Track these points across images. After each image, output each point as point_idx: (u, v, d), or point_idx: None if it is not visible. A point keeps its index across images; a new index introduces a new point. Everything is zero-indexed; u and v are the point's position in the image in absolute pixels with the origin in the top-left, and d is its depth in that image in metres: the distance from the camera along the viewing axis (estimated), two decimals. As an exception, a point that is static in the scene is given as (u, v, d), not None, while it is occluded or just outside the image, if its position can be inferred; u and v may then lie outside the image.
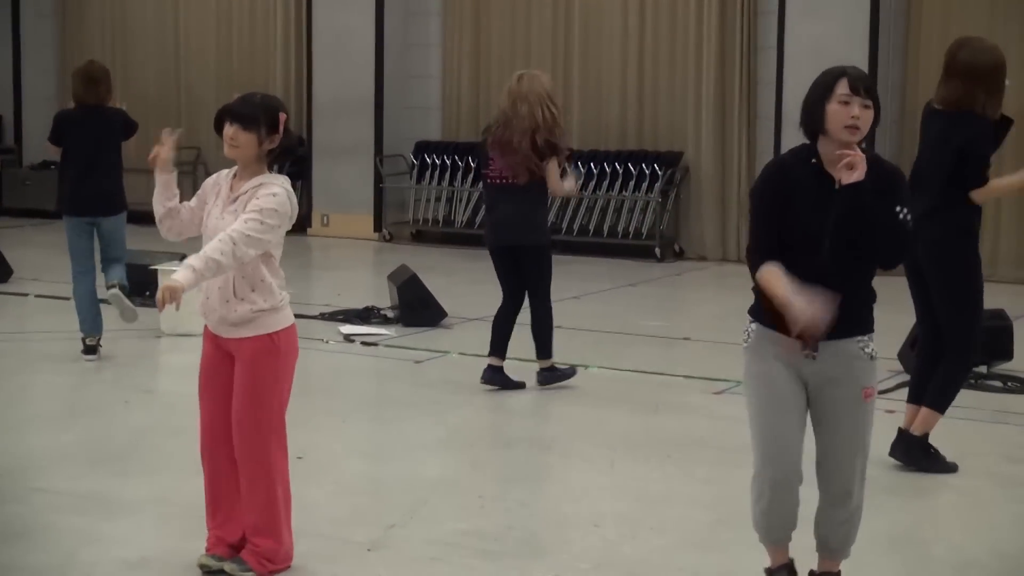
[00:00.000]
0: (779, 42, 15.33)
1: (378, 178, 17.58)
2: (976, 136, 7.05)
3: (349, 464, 7.58)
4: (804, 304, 4.80)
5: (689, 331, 11.42)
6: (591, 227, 16.41)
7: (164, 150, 5.76)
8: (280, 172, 5.74)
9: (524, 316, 9.31)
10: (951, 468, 7.26)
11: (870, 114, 4.94)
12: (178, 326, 10.52)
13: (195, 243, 5.68)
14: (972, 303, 7.20)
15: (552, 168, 8.94)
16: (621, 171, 16.25)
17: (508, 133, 8.93)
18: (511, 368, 9.26)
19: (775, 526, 5.19)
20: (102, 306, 10.06)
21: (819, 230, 4.93)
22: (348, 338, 10.92)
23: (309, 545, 5.92)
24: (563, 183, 9.03)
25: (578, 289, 13.30)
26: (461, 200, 17.25)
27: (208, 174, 17.66)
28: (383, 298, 12.11)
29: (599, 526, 6.44)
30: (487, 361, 9.23)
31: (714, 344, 10.94)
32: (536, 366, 9.27)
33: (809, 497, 5.20)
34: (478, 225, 16.97)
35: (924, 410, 7.25)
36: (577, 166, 16.18)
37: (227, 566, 5.68)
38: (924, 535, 6.51)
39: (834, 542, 5.27)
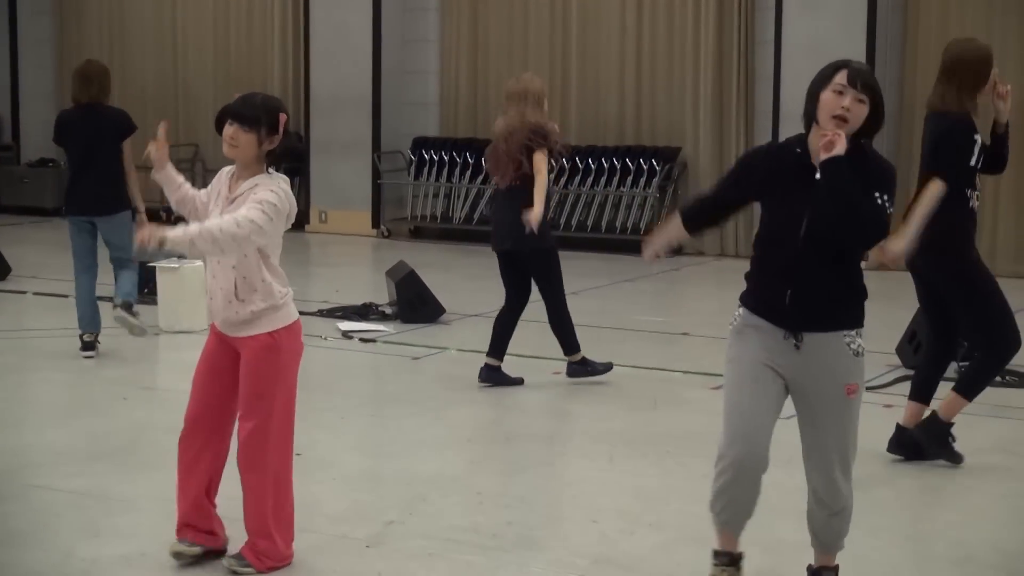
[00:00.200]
0: (777, 37, 15.33)
1: (376, 174, 17.58)
2: (947, 130, 7.04)
3: (347, 460, 7.58)
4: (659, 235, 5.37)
5: (687, 327, 11.43)
6: (589, 223, 16.42)
7: (155, 150, 5.76)
8: (279, 172, 5.75)
9: (528, 314, 9.31)
10: (958, 458, 7.24)
11: (863, 109, 4.92)
12: (177, 323, 10.51)
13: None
14: (988, 295, 7.14)
15: (539, 159, 8.84)
16: (619, 166, 16.26)
17: (496, 136, 8.99)
18: (511, 365, 9.26)
19: (729, 508, 5.15)
20: (100, 303, 10.07)
21: (796, 219, 4.92)
22: (346, 335, 10.92)
23: (308, 541, 5.92)
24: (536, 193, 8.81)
25: (576, 285, 13.27)
26: (459, 196, 17.25)
27: (206, 171, 17.83)
28: (381, 294, 12.11)
29: (597, 521, 6.44)
30: (485, 360, 9.24)
31: (712, 339, 10.92)
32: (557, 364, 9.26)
33: (795, 488, 5.20)
34: (476, 221, 17.01)
35: (951, 394, 7.24)
36: (575, 162, 16.20)
37: (226, 561, 5.70)
38: (923, 530, 6.51)
39: (824, 537, 5.27)
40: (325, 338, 10.79)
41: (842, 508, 5.19)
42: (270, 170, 5.66)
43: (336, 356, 10.33)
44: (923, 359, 7.62)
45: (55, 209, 19.09)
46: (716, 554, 5.31)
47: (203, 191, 5.85)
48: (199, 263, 10.60)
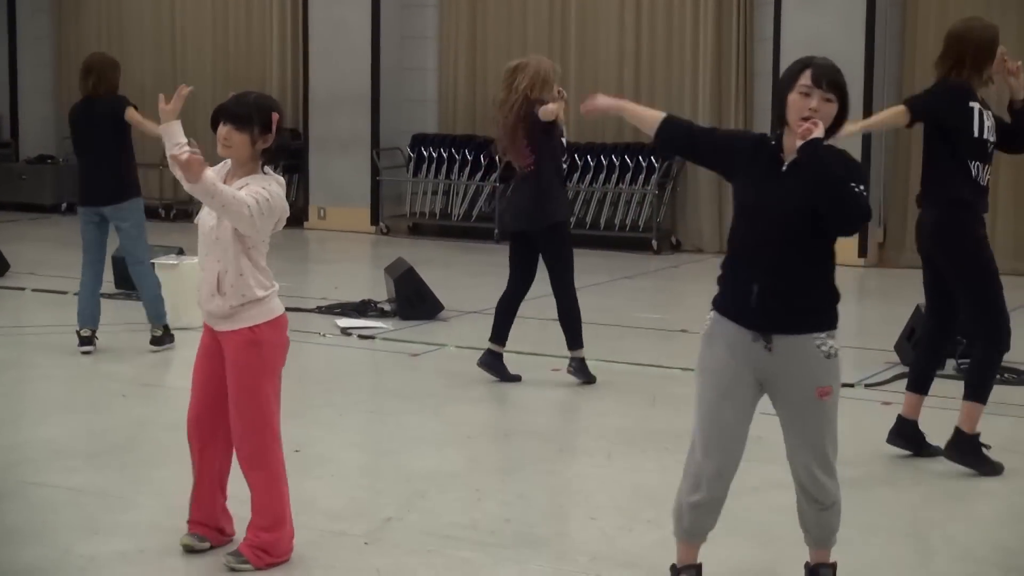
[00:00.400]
0: (775, 34, 15.33)
1: (375, 171, 17.58)
2: (930, 93, 7.09)
3: (346, 457, 7.58)
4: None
5: (686, 323, 11.42)
6: (588, 220, 16.41)
7: (164, 102, 5.79)
8: (275, 169, 5.77)
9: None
10: (999, 468, 7.18)
11: (831, 107, 4.89)
12: (176, 320, 10.51)
13: (189, 234, 5.69)
14: (988, 279, 7.10)
15: (542, 110, 8.89)
16: (618, 164, 16.26)
17: (498, 123, 9.04)
18: (509, 361, 9.26)
19: (701, 521, 5.18)
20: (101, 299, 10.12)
21: (763, 211, 4.91)
22: (345, 331, 10.92)
23: (306, 538, 5.92)
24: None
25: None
26: (458, 193, 17.25)
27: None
28: (380, 291, 12.11)
29: (596, 519, 6.44)
30: (488, 345, 9.21)
31: (711, 336, 10.94)
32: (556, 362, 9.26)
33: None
34: (475, 218, 17.02)
35: (966, 405, 7.16)
36: (574, 159, 16.20)
37: (224, 558, 5.71)
38: (922, 527, 6.51)
39: (816, 533, 5.25)
40: (324, 335, 10.79)
41: (832, 503, 5.17)
42: (266, 169, 5.68)
43: (335, 353, 10.33)
44: (921, 349, 7.59)
45: (53, 206, 19.14)
46: (683, 570, 5.28)
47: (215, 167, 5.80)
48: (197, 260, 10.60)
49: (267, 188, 5.59)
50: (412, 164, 17.45)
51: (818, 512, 5.18)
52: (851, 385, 9.17)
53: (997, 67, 7.15)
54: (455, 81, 17.70)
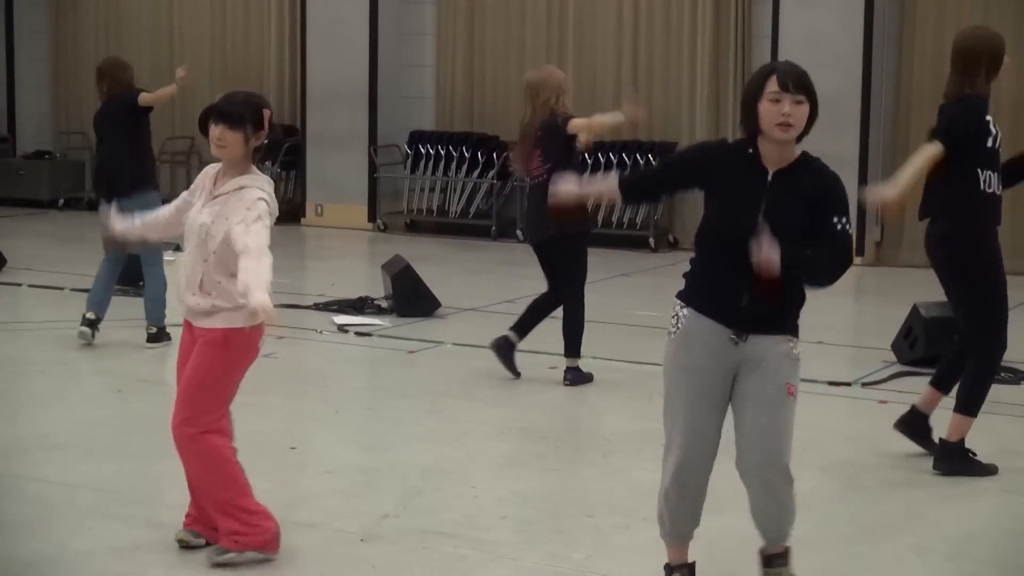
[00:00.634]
0: (774, 32, 15.32)
1: (372, 168, 17.56)
2: (963, 110, 6.97)
3: (342, 454, 7.57)
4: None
5: (683, 321, 11.41)
6: (585, 217, 16.37)
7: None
8: (273, 164, 5.79)
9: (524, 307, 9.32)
10: (992, 469, 7.19)
11: (803, 109, 4.87)
12: (172, 316, 10.47)
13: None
14: (991, 297, 7.03)
15: (573, 124, 8.92)
16: (616, 161, 16.24)
17: (521, 131, 9.04)
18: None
19: (684, 523, 5.20)
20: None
21: (751, 221, 4.85)
22: (342, 328, 10.91)
23: (302, 535, 5.92)
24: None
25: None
26: (455, 190, 17.24)
27: (203, 163, 17.71)
28: (377, 288, 12.11)
29: (592, 516, 6.44)
30: (506, 333, 9.20)
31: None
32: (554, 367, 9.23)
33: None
34: (472, 215, 17.01)
35: (955, 416, 7.14)
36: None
37: (207, 553, 5.72)
38: (917, 525, 6.51)
39: (771, 532, 5.21)
40: (320, 332, 10.78)
41: (783, 504, 5.09)
42: (254, 168, 5.71)
43: (331, 350, 10.32)
44: (953, 350, 7.46)
45: (51, 201, 19.12)
46: (676, 568, 5.29)
47: (184, 193, 5.91)
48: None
49: (263, 196, 5.60)
50: (410, 161, 17.44)
51: (771, 515, 5.11)
52: (848, 384, 9.18)
53: (1005, 72, 7.13)
54: (453, 78, 17.68)
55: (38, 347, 10.12)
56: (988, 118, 6.98)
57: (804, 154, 4.99)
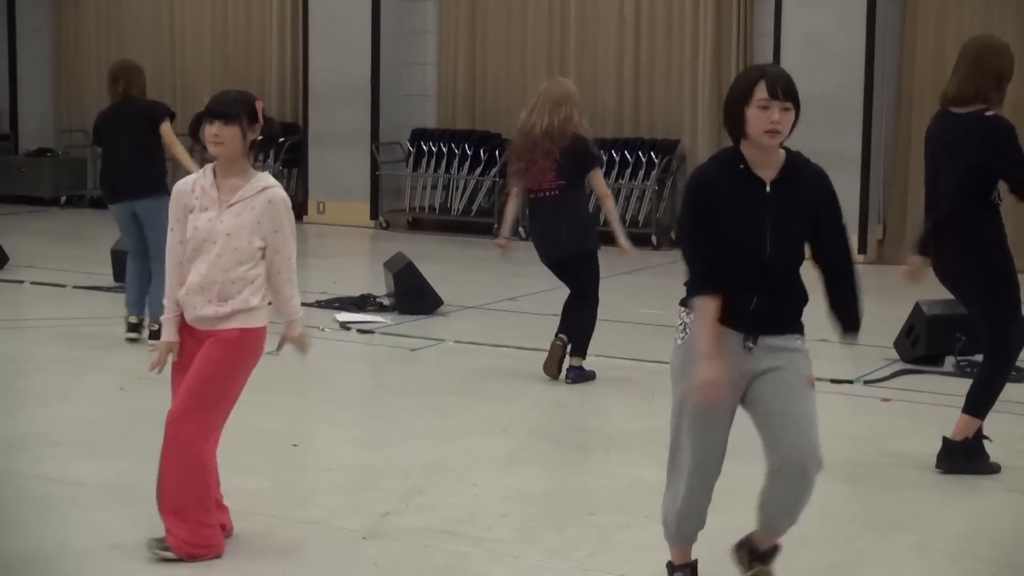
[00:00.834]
0: (776, 29, 15.31)
1: (374, 166, 17.56)
2: (1004, 136, 6.88)
3: (344, 452, 7.57)
4: (717, 367, 4.78)
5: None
6: (588, 215, 16.37)
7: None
8: (276, 160, 5.80)
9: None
10: (995, 468, 7.17)
11: (790, 116, 4.87)
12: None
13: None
14: (1006, 307, 7.01)
15: (599, 180, 9.14)
16: (617, 159, 16.24)
17: (526, 142, 8.93)
18: (512, 357, 9.24)
19: (693, 525, 5.21)
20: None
21: (757, 231, 4.86)
22: (344, 326, 10.91)
23: (303, 533, 5.92)
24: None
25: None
26: (457, 188, 17.23)
27: (204, 162, 17.68)
28: (379, 286, 12.11)
29: (594, 514, 6.44)
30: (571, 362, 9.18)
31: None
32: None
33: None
34: (474, 213, 17.01)
35: (963, 417, 7.13)
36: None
37: (148, 540, 5.70)
38: (919, 524, 6.50)
39: (782, 524, 5.17)
40: (323, 329, 10.78)
41: (807, 496, 5.05)
42: (256, 166, 5.73)
43: (333, 347, 10.32)
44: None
45: (52, 199, 19.12)
46: (680, 567, 5.29)
47: (174, 223, 5.73)
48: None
49: (285, 200, 5.69)
50: (411, 159, 17.44)
51: (792, 507, 5.07)
52: (850, 382, 9.17)
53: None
54: (455, 76, 17.68)
55: (40, 344, 10.12)
56: None
57: (788, 154, 4.97)
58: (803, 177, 4.96)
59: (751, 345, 4.94)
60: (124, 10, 19.66)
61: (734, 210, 4.90)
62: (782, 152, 4.98)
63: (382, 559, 5.79)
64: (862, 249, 14.55)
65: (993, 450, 7.27)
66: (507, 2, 17.24)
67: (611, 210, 9.29)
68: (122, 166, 10.09)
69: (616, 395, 8.88)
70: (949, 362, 9.37)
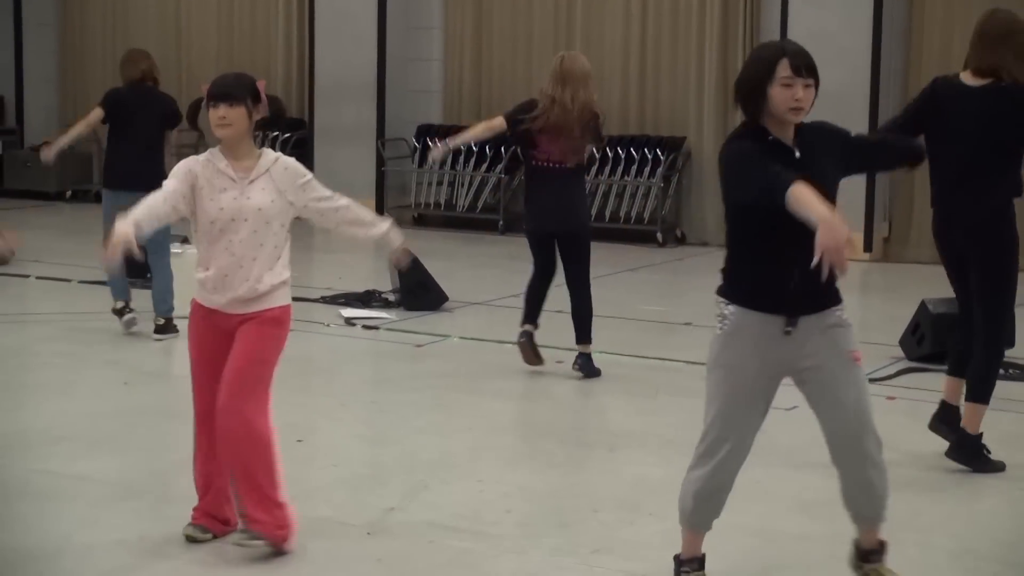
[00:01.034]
0: (782, 27, 15.30)
1: (380, 161, 17.57)
2: None
3: (348, 447, 7.57)
4: (840, 222, 4.55)
5: (690, 316, 11.41)
6: (592, 212, 16.37)
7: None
8: (283, 151, 5.84)
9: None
10: (1000, 467, 7.19)
11: (812, 92, 4.88)
12: (180, 308, 10.48)
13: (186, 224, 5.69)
14: (1008, 286, 7.09)
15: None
16: (623, 156, 16.24)
17: (562, 115, 8.85)
18: (515, 354, 9.24)
19: (709, 511, 5.20)
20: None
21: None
22: (349, 321, 10.91)
23: (308, 527, 5.92)
24: None
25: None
26: (463, 184, 17.24)
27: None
28: (384, 282, 12.11)
29: (598, 511, 6.44)
30: (524, 328, 9.21)
31: (715, 330, 10.91)
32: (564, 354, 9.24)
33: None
34: (480, 209, 17.00)
35: (968, 406, 7.15)
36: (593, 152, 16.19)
37: (235, 537, 5.71)
38: (921, 522, 6.50)
39: (869, 511, 5.20)
40: (328, 325, 10.78)
41: (881, 476, 5.11)
42: (265, 150, 5.75)
43: (338, 343, 10.32)
44: (960, 335, 7.39)
45: (58, 193, 19.13)
46: (687, 562, 5.29)
47: (172, 190, 5.65)
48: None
49: (297, 163, 5.75)
50: (417, 155, 17.44)
51: (870, 493, 5.11)
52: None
53: None
54: (460, 71, 17.68)
55: (45, 339, 10.13)
56: None
57: (798, 130, 4.99)
58: (815, 135, 4.97)
59: (790, 329, 4.92)
60: (130, 5, 19.68)
61: None
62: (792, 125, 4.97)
63: (386, 555, 5.79)
64: (867, 247, 14.54)
65: (998, 449, 7.27)
66: (513, -2, 17.26)
67: None
68: (136, 156, 10.10)
69: (620, 392, 8.87)
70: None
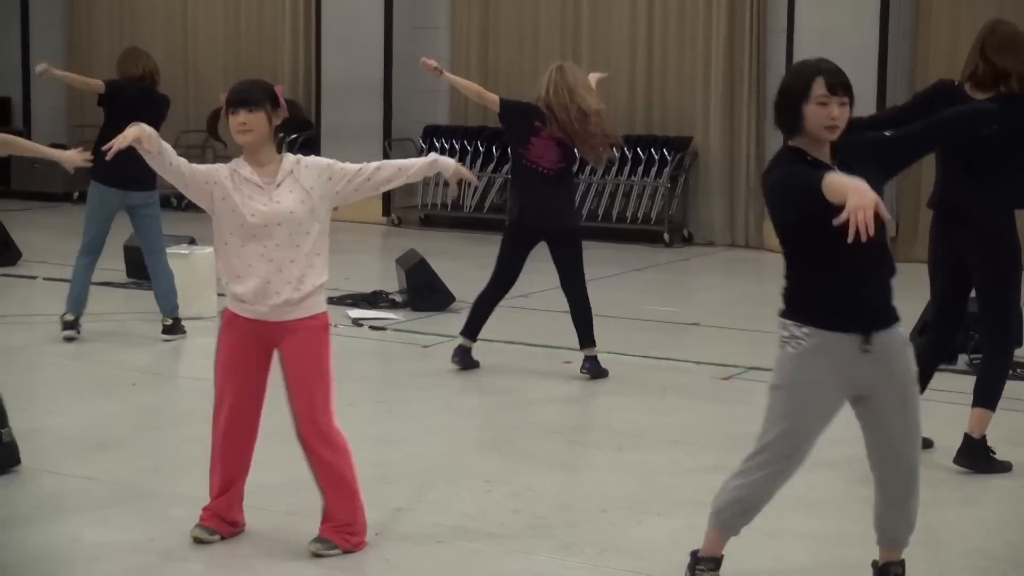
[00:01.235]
0: (789, 26, 15.29)
1: (387, 161, 17.54)
2: None
3: (356, 447, 7.50)
4: (868, 189, 4.54)
5: (697, 316, 11.41)
6: (599, 212, 16.39)
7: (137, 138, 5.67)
8: (291, 151, 5.85)
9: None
10: (1008, 466, 7.19)
11: (847, 111, 4.89)
12: (186, 309, 10.51)
13: (201, 223, 5.68)
14: (1015, 288, 7.12)
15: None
16: (630, 156, 16.22)
17: (574, 122, 8.89)
18: (517, 353, 9.23)
19: (747, 520, 5.21)
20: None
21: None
22: (356, 322, 10.91)
23: (315, 528, 5.92)
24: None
25: (586, 274, 13.26)
26: (470, 185, 17.22)
27: (217, 157, 17.67)
28: (391, 282, 12.11)
29: (606, 511, 6.44)
30: (460, 342, 9.28)
31: (722, 329, 10.92)
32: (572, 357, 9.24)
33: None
34: (486, 210, 16.98)
35: (976, 411, 7.15)
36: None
37: (312, 547, 5.73)
38: (932, 523, 6.48)
39: (902, 532, 5.25)
40: (335, 325, 10.71)
41: (918, 501, 5.16)
42: (285, 155, 5.77)
43: (346, 343, 10.30)
44: (927, 346, 7.45)
45: (65, 194, 19.13)
46: (704, 560, 5.28)
47: (205, 171, 5.72)
48: (210, 249, 10.59)
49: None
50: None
51: (907, 517, 5.18)
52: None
53: None
54: (467, 72, 17.60)
55: (52, 340, 10.12)
56: None
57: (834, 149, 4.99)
58: (854, 153, 4.97)
59: (868, 348, 4.92)
60: (137, 6, 19.69)
61: (819, 198, 4.87)
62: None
63: (393, 555, 5.79)
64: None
65: (1007, 450, 7.26)
66: (519, -2, 17.25)
67: None
68: (138, 155, 10.04)
69: (627, 392, 8.87)
70: (962, 360, 9.35)
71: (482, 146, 16.95)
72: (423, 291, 11.50)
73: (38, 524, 6.12)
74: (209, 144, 18.52)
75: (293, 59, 18.33)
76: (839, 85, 4.86)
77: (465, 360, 9.25)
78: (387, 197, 17.61)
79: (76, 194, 19.12)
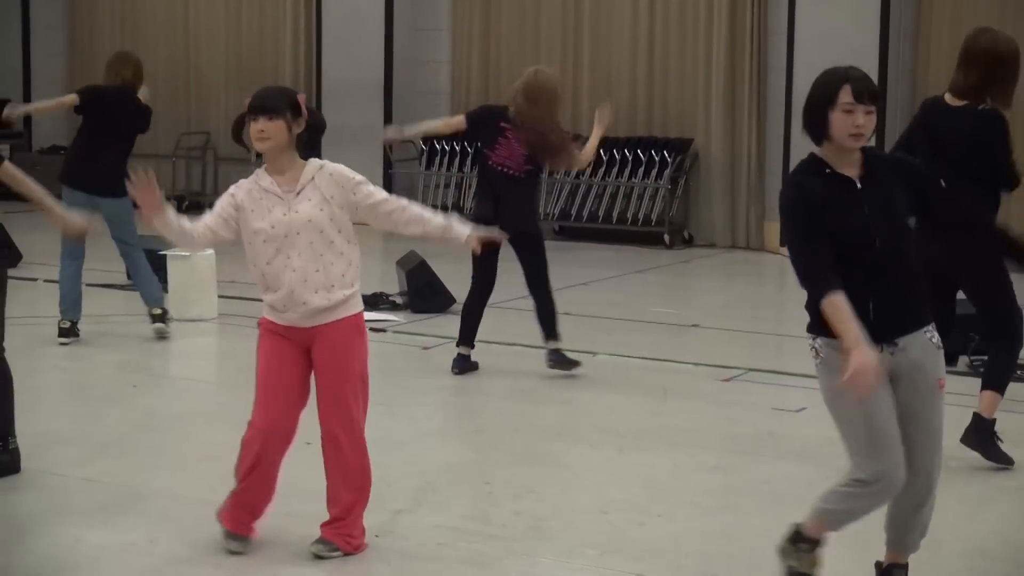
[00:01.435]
0: (789, 27, 15.29)
1: (387, 164, 17.56)
2: (1000, 132, 7.04)
3: (357, 449, 7.56)
4: (868, 352, 4.66)
5: (698, 318, 11.41)
6: (600, 213, 16.39)
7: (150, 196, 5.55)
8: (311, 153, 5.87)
9: (529, 303, 9.31)
10: (1008, 461, 7.22)
11: (873, 119, 4.88)
12: (187, 311, 10.51)
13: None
14: (1008, 285, 7.16)
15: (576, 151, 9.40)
16: (631, 157, 16.23)
17: (536, 126, 9.07)
18: (519, 354, 9.24)
19: (847, 525, 5.18)
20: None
21: (861, 226, 4.85)
22: (356, 323, 10.90)
23: (316, 530, 5.92)
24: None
25: (586, 276, 13.29)
26: (470, 186, 17.21)
27: (218, 159, 17.71)
28: (392, 284, 12.11)
29: (607, 512, 6.43)
30: (458, 351, 9.29)
31: (723, 331, 10.92)
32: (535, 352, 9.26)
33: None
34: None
35: (986, 393, 7.22)
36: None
37: (314, 548, 5.74)
38: (932, 523, 6.48)
39: (912, 539, 5.23)
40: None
41: (932, 506, 5.14)
42: (309, 159, 5.80)
43: (346, 345, 10.31)
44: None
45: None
46: (807, 540, 5.20)
47: (221, 212, 5.72)
48: (211, 252, 10.59)
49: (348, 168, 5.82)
50: (425, 157, 17.44)
51: (920, 522, 5.15)
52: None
53: None
54: (468, 73, 17.67)
55: (53, 342, 10.12)
56: None
57: (863, 150, 4.97)
58: (886, 167, 4.98)
59: (892, 351, 4.93)
60: (139, 7, 19.70)
61: (836, 213, 4.87)
62: (858, 150, 4.97)
63: (395, 557, 5.80)
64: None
65: (1006, 450, 7.27)
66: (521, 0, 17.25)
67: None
68: (112, 163, 10.02)
69: (628, 393, 8.87)
70: (963, 362, 9.35)
71: (470, 147, 16.95)
72: (424, 293, 11.50)
73: (40, 526, 6.12)
74: (210, 146, 18.55)
75: (294, 60, 18.34)
76: (866, 93, 4.86)
77: (464, 368, 9.25)
78: (388, 199, 17.59)
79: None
